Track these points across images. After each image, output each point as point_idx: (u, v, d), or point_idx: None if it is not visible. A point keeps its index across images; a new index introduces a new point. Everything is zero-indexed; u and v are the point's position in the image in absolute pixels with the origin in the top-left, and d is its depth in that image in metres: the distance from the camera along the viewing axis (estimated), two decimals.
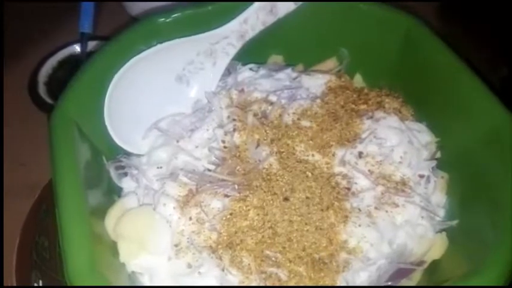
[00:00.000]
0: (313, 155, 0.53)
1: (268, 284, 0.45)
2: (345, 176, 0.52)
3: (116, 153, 0.55)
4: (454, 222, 0.51)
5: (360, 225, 0.48)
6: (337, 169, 0.52)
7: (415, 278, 0.49)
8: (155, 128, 0.56)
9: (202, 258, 0.47)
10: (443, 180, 0.54)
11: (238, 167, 0.51)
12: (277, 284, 0.45)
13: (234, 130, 0.53)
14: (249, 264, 0.46)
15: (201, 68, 0.59)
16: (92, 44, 0.78)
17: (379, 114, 0.56)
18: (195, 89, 0.59)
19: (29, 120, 0.73)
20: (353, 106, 0.57)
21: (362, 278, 0.47)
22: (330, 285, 0.45)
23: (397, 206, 0.50)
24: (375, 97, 0.58)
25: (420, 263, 0.49)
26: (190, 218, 0.49)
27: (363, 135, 0.54)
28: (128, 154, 0.55)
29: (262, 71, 0.60)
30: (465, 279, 0.42)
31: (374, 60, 0.61)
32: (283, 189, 0.50)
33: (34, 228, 0.62)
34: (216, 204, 0.49)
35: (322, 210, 0.49)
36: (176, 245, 0.48)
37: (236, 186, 0.49)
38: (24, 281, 0.59)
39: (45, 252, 0.60)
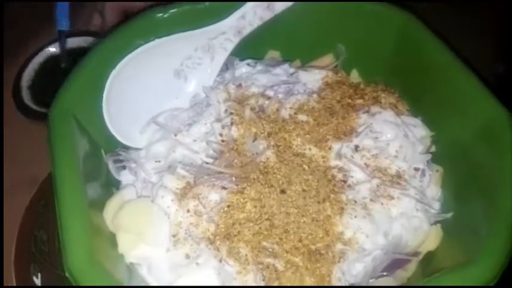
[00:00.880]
0: (309, 149, 0.53)
1: (265, 274, 0.46)
2: (341, 169, 0.52)
3: (115, 146, 0.55)
4: (449, 215, 0.52)
5: (355, 217, 0.49)
6: (334, 162, 0.52)
7: (410, 269, 0.49)
8: (153, 122, 0.56)
9: (200, 250, 0.47)
10: (438, 174, 0.55)
11: (235, 160, 0.51)
12: (274, 275, 0.46)
13: (232, 124, 0.54)
14: (246, 255, 0.47)
15: (199, 63, 0.59)
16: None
17: (375, 108, 0.57)
18: (193, 83, 0.59)
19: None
20: (349, 101, 0.58)
21: (358, 269, 0.47)
22: (326, 275, 0.46)
23: (392, 198, 0.51)
24: (371, 92, 0.59)
25: (415, 254, 0.50)
26: (188, 210, 0.49)
27: (359, 129, 0.54)
28: (127, 148, 0.56)
29: (259, 67, 0.61)
30: (459, 269, 0.43)
31: (370, 56, 0.62)
32: (280, 182, 0.50)
33: (33, 222, 0.63)
34: (213, 196, 0.49)
35: (318, 202, 0.49)
36: (174, 236, 0.48)
37: (233, 179, 0.50)
38: (23, 274, 0.59)
39: (43, 246, 0.60)
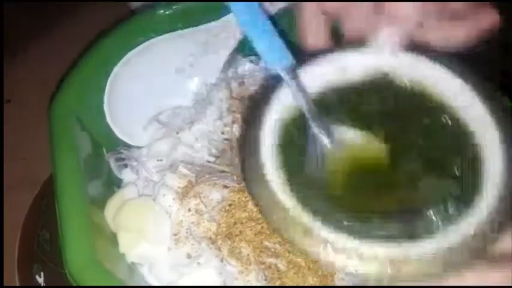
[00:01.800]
0: None
1: (267, 274, 0.45)
2: None
3: (116, 145, 0.55)
4: None
5: None
6: None
7: None
8: (155, 120, 0.56)
9: (201, 249, 0.47)
10: None
11: (237, 159, 0.51)
12: (276, 275, 0.45)
13: (234, 122, 0.53)
14: (248, 254, 0.46)
15: (201, 61, 0.58)
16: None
17: None
18: (195, 81, 0.58)
19: (31, 114, 0.73)
20: None
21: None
22: (329, 275, 0.45)
23: None
24: None
25: None
26: (190, 209, 0.49)
27: None
28: (128, 146, 0.55)
29: (262, 63, 0.60)
30: None
31: None
32: None
33: (36, 221, 0.63)
34: (215, 195, 0.49)
35: None
36: (175, 235, 0.48)
37: (235, 177, 0.49)
38: (26, 274, 0.59)
39: (46, 245, 0.60)
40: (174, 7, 0.57)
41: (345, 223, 0.35)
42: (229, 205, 0.48)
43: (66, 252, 0.43)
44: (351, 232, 0.35)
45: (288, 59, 0.41)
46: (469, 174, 0.37)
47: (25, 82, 0.76)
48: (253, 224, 0.47)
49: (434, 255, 0.34)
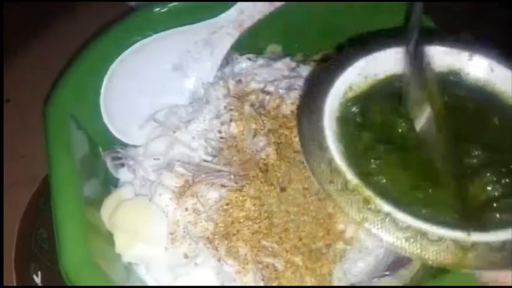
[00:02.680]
0: None
1: (265, 274, 0.45)
2: None
3: (113, 144, 0.55)
4: None
5: None
6: None
7: (413, 268, 0.48)
8: (152, 119, 0.56)
9: (198, 249, 0.47)
10: None
11: (234, 158, 0.50)
12: (273, 274, 0.45)
13: (231, 120, 0.53)
14: (245, 254, 0.46)
15: (198, 58, 0.58)
16: None
17: None
18: (192, 79, 0.58)
19: (30, 113, 0.73)
20: None
21: (359, 268, 0.46)
22: (327, 275, 0.45)
23: None
24: None
25: None
26: (187, 209, 0.48)
27: None
28: (125, 145, 0.55)
29: (260, 61, 0.60)
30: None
31: None
32: (280, 180, 0.49)
33: (33, 219, 0.62)
34: (212, 194, 0.48)
35: (319, 200, 0.48)
36: (172, 233, 0.47)
37: (232, 177, 0.49)
38: (23, 273, 0.59)
39: (44, 244, 0.60)
40: (170, 5, 0.57)
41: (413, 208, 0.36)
42: (227, 204, 0.48)
43: (61, 253, 0.43)
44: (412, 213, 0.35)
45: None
46: None
47: (24, 82, 0.76)
48: (250, 223, 0.47)
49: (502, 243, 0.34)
